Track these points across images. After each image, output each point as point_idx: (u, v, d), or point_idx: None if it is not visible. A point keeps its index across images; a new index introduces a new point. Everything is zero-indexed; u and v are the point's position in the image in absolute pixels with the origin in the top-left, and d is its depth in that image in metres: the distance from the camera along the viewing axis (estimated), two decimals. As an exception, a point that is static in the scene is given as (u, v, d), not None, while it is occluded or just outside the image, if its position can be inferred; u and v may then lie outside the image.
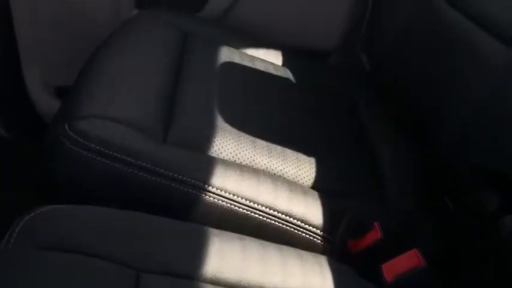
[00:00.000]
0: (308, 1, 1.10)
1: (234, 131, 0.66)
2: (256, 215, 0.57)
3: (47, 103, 1.17)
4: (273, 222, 0.57)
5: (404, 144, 0.81)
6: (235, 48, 0.93)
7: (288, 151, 0.68)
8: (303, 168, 0.66)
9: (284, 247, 0.53)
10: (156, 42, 0.81)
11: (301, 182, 0.65)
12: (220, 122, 0.67)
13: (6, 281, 0.38)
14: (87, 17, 1.10)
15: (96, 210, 0.47)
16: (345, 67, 1.17)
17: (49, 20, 1.09)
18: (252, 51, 0.95)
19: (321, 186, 0.66)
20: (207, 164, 0.58)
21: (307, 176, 0.66)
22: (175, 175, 0.55)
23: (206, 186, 0.55)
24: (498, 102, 0.61)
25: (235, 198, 0.56)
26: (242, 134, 0.66)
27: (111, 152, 0.54)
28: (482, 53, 0.67)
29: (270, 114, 0.75)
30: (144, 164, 0.54)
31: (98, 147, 0.54)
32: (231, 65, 0.84)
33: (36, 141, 0.90)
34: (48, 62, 1.15)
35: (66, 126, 0.55)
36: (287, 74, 0.91)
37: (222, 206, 0.56)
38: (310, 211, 0.60)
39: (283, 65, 0.96)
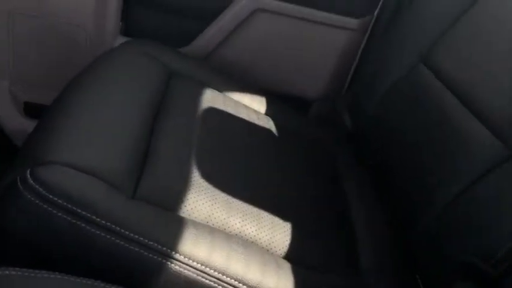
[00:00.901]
0: (294, 50, 1.08)
1: (210, 188, 0.63)
2: (224, 289, 0.53)
3: (14, 119, 1.11)
4: (242, 297, 0.53)
5: (383, 218, 0.79)
6: (220, 91, 0.90)
7: (264, 214, 0.65)
8: (277, 235, 0.63)
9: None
10: (138, 79, 0.77)
11: (274, 250, 0.62)
12: (196, 178, 0.63)
13: None
14: (67, 36, 1.05)
15: (52, 278, 0.41)
16: (328, 121, 1.16)
17: (25, 33, 1.03)
18: (236, 96, 0.93)
19: (295, 257, 0.62)
20: (177, 227, 0.53)
21: (281, 244, 0.62)
22: (141, 238, 0.50)
23: (173, 253, 0.51)
24: (483, 194, 0.59)
25: (203, 268, 0.52)
26: (217, 192, 0.63)
27: (74, 208, 0.49)
28: (473, 142, 0.66)
29: (248, 172, 0.72)
30: (109, 223, 0.49)
31: (60, 201, 0.48)
32: (213, 111, 0.80)
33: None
34: (19, 75, 1.09)
35: (28, 172, 0.50)
36: (269, 124, 0.89)
37: (188, 277, 0.51)
38: (282, 287, 0.56)
39: (266, 113, 0.94)
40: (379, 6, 1.07)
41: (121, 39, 1.02)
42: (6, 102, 1.10)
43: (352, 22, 1.04)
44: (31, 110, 1.12)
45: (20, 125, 1.11)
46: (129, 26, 1.05)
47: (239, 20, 1.02)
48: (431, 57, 0.80)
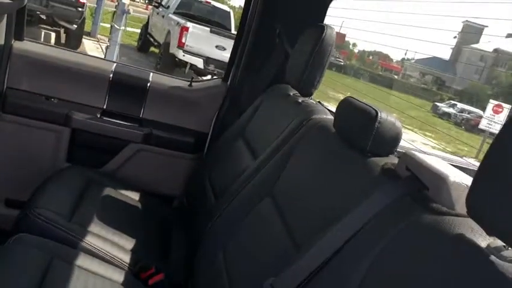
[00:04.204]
0: (160, 165, 2.05)
1: (105, 225, 1.52)
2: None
3: (-2, 209, 1.95)
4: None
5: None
6: (118, 190, 1.81)
7: (127, 236, 1.53)
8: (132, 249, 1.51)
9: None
10: (73, 188, 1.67)
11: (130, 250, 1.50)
12: (98, 219, 1.52)
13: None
14: (32, 158, 1.94)
15: (60, 247, 1.29)
16: (182, 207, 2.10)
17: (5, 153, 1.92)
18: (127, 193, 1.84)
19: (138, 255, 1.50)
20: (84, 233, 1.42)
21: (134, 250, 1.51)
22: (71, 232, 1.38)
23: (82, 238, 1.39)
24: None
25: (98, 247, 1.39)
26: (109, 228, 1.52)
27: (48, 221, 1.37)
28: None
29: (127, 225, 1.61)
30: (60, 226, 1.38)
31: (43, 218, 1.37)
32: (115, 201, 1.72)
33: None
34: (4, 182, 1.96)
35: (32, 209, 1.38)
36: (143, 208, 1.80)
37: (85, 247, 1.38)
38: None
39: (141, 202, 1.85)
40: (206, 147, 2.09)
41: (65, 163, 1.95)
42: (-3, 198, 1.95)
43: (189, 155, 2.05)
44: (10, 203, 1.97)
45: (3, 212, 1.95)
46: (71, 156, 1.98)
47: (130, 154, 2.00)
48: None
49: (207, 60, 9.06)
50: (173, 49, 9.00)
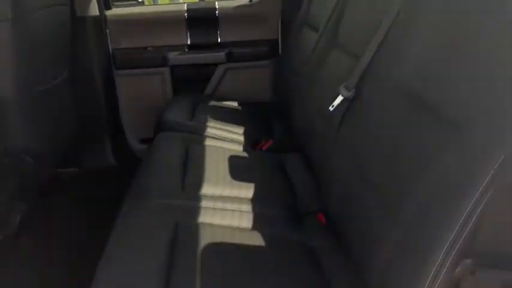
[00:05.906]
0: (247, 77, 2.41)
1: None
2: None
3: (136, 145, 2.47)
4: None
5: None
6: (221, 102, 2.20)
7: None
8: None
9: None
10: (185, 106, 2.09)
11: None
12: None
13: None
14: (148, 99, 2.38)
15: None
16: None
17: (129, 102, 2.40)
18: (229, 103, 2.22)
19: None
20: (205, 128, 1.83)
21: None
22: (196, 128, 1.80)
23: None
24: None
25: (217, 134, 1.80)
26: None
27: (180, 122, 1.81)
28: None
29: (236, 123, 2.00)
30: (187, 125, 1.81)
31: (176, 122, 1.81)
32: (221, 108, 2.12)
33: (130, 164, 2.18)
34: (135, 126, 2.46)
35: (165, 118, 1.83)
36: (244, 110, 2.17)
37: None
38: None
39: (241, 107, 2.23)
40: (280, 50, 2.40)
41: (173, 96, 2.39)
42: (132, 139, 2.46)
43: (267, 62, 2.38)
44: (143, 141, 2.46)
45: (138, 147, 2.46)
46: (176, 90, 2.41)
47: (220, 75, 2.38)
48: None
49: None
50: None
